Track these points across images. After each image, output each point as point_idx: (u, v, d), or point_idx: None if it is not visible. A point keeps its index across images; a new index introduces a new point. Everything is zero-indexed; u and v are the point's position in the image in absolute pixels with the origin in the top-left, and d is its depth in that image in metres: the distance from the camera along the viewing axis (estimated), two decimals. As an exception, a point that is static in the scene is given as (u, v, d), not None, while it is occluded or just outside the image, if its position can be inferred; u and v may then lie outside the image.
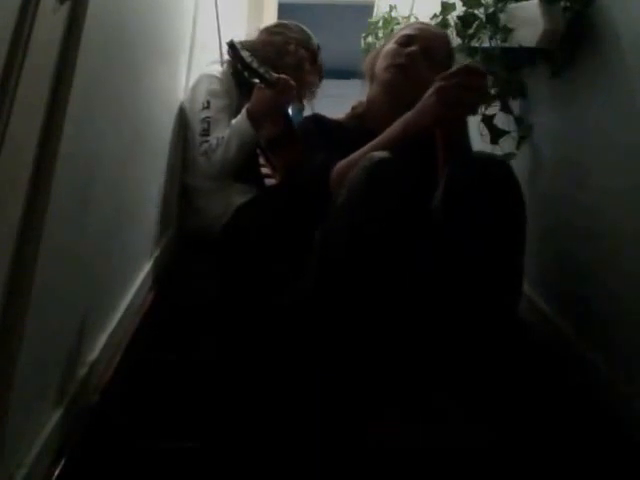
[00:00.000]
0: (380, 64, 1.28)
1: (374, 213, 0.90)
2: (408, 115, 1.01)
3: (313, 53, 1.65)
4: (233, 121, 1.42)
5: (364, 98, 1.36)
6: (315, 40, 1.68)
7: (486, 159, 0.99)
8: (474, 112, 1.05)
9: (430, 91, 0.97)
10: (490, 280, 0.92)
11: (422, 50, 1.23)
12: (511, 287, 0.95)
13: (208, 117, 1.44)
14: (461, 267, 0.94)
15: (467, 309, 0.93)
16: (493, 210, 0.92)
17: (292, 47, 1.59)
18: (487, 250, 0.92)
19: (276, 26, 1.69)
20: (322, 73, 1.70)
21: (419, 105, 0.99)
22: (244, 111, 1.40)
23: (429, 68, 1.23)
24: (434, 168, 1.07)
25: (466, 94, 0.94)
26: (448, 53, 1.31)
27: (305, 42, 1.64)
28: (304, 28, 1.68)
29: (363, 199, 0.91)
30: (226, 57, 1.61)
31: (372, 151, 0.98)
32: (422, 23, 1.36)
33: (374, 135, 1.09)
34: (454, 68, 0.97)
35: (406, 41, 1.25)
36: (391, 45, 1.27)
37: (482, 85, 0.97)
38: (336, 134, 1.23)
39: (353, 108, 1.36)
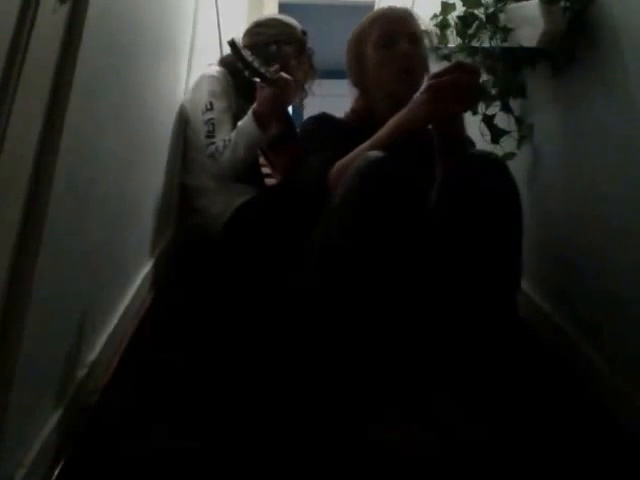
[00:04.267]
0: (377, 71, 1.22)
1: (369, 215, 0.89)
2: (401, 113, 1.00)
3: (298, 43, 1.60)
4: (239, 123, 1.42)
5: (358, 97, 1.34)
6: (299, 28, 1.61)
7: (482, 158, 0.99)
8: (467, 109, 1.03)
9: (422, 89, 0.96)
10: (487, 279, 0.92)
11: (411, 41, 1.21)
12: (509, 285, 0.95)
13: (212, 119, 1.44)
14: (458, 266, 0.94)
15: (465, 308, 0.93)
16: (489, 209, 0.93)
17: (273, 48, 1.55)
18: (483, 249, 0.93)
19: (255, 26, 1.64)
20: (313, 63, 1.64)
21: (411, 103, 0.98)
22: (250, 112, 1.40)
23: (416, 47, 1.22)
24: (433, 165, 1.06)
25: (458, 91, 0.93)
26: (420, 30, 1.28)
27: (287, 36, 1.58)
28: (284, 20, 1.62)
29: (357, 201, 0.91)
30: (226, 57, 1.61)
31: (367, 150, 0.98)
32: (390, 10, 1.28)
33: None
34: (446, 66, 0.96)
35: (391, 38, 1.21)
36: (376, 49, 1.22)
37: (474, 82, 0.96)
38: (344, 133, 1.22)
39: (353, 111, 1.34)
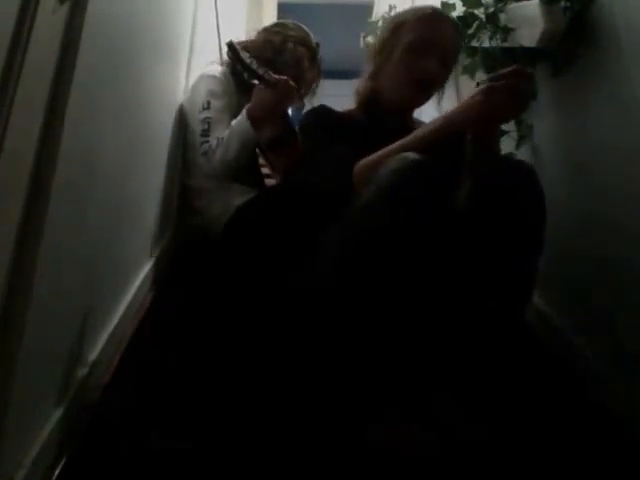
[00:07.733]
0: (396, 71, 1.21)
1: (401, 217, 0.88)
2: (449, 113, 0.98)
3: (312, 50, 1.65)
4: (233, 122, 1.42)
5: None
6: (314, 38, 1.69)
7: (514, 165, 0.99)
8: (518, 116, 1.00)
9: (477, 90, 0.94)
10: (506, 285, 0.93)
11: (440, 59, 1.19)
12: (524, 292, 0.96)
13: (208, 117, 1.44)
14: (472, 269, 0.95)
15: (466, 309, 0.93)
16: (516, 218, 0.94)
17: (290, 45, 1.60)
18: (505, 256, 0.94)
19: (275, 25, 1.71)
20: (321, 70, 1.70)
21: (463, 104, 0.96)
22: (244, 111, 1.40)
23: (442, 66, 1.21)
24: (459, 166, 1.05)
25: (514, 97, 0.91)
26: (459, 46, 1.28)
27: (303, 40, 1.65)
28: (302, 26, 1.70)
29: (392, 202, 0.89)
30: (226, 57, 1.62)
31: (404, 149, 0.96)
32: (436, 15, 1.23)
33: (386, 126, 1.07)
34: (504, 70, 0.94)
35: (424, 47, 1.18)
36: (405, 51, 1.20)
37: (530, 89, 0.95)
38: (346, 126, 1.20)
39: (358, 95, 1.32)
